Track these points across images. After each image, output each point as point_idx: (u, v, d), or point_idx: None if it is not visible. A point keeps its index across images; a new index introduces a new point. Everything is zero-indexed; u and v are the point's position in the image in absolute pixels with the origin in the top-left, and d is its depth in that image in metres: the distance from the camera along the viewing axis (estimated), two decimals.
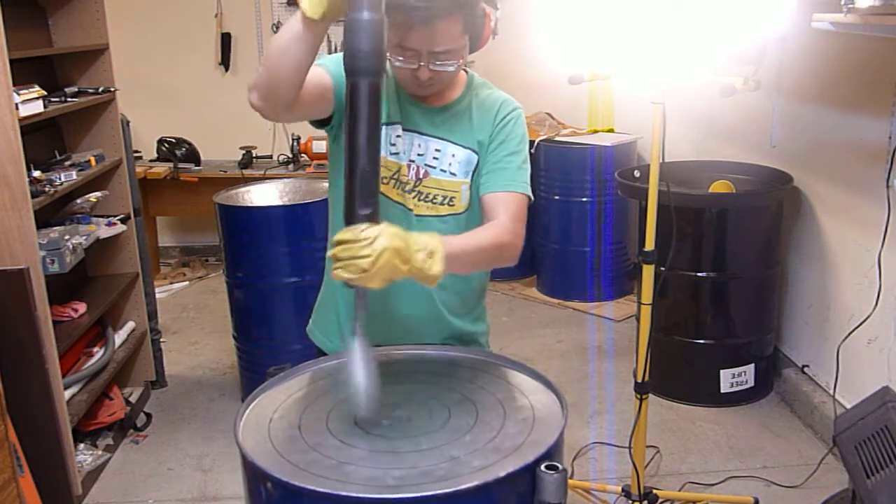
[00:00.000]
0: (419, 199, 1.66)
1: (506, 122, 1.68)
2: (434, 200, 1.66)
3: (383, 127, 1.62)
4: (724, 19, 2.26)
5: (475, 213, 1.69)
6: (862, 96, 2.92)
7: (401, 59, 1.53)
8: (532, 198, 1.68)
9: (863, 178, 2.92)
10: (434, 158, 1.66)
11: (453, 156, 1.66)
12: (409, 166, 1.65)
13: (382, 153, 1.62)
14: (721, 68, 2.34)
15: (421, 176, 1.66)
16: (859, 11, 2.14)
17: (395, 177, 1.65)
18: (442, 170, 1.66)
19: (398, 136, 1.64)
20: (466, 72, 1.71)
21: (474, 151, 1.67)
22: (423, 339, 1.69)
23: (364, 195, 1.33)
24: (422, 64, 1.52)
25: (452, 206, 1.67)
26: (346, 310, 1.76)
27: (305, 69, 1.42)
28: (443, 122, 1.67)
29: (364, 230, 1.30)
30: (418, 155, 1.65)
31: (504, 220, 1.60)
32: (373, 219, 1.33)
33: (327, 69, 1.57)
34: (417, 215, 1.65)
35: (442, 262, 1.37)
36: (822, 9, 2.37)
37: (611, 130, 4.78)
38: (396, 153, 1.64)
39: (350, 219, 1.33)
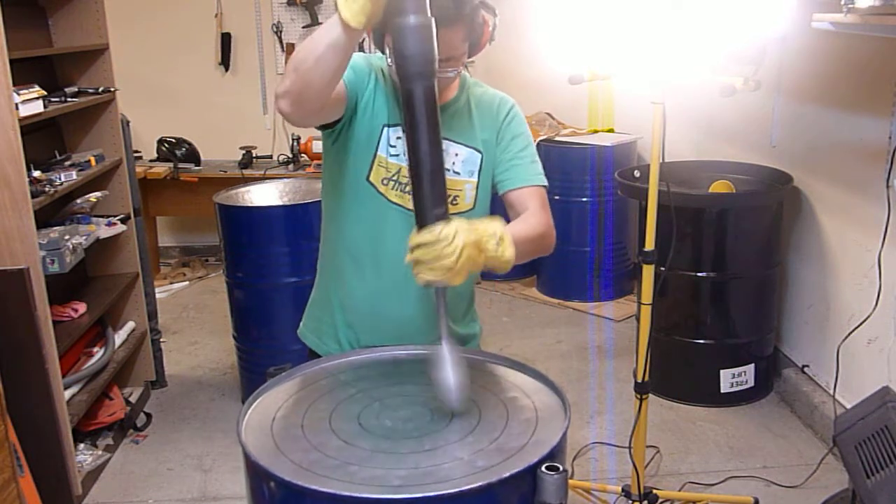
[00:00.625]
0: None
1: (509, 119, 1.72)
2: None
3: (385, 128, 1.63)
4: (724, 19, 2.26)
5: (479, 213, 1.70)
6: (862, 96, 2.92)
7: None
8: (547, 185, 1.73)
9: (863, 178, 2.92)
10: None
11: (457, 155, 1.67)
12: None
13: (384, 154, 1.63)
14: (721, 68, 2.34)
15: None
16: (859, 11, 2.14)
17: (395, 178, 1.65)
18: (445, 168, 1.66)
19: (398, 137, 1.64)
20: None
21: (477, 150, 1.69)
22: (418, 341, 1.70)
23: (435, 196, 1.34)
24: None
25: (455, 204, 1.67)
26: (342, 312, 1.76)
27: (340, 75, 1.43)
28: (443, 121, 1.67)
29: (442, 230, 1.31)
30: None
31: (539, 212, 1.66)
32: (444, 217, 1.35)
33: None
34: None
35: (512, 245, 1.39)
36: (822, 9, 2.37)
37: (611, 130, 4.78)
38: (396, 154, 1.64)
39: (424, 221, 1.34)
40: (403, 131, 1.35)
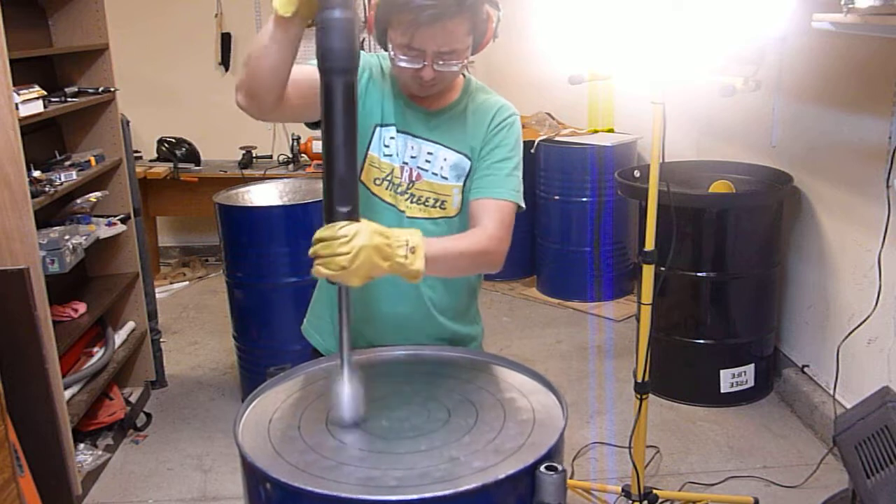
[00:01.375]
0: (411, 202, 1.66)
1: (499, 128, 1.67)
2: (426, 203, 1.66)
3: (378, 128, 1.63)
4: (724, 19, 2.26)
5: (465, 218, 1.68)
6: (862, 96, 2.92)
7: (405, 58, 1.52)
8: (523, 206, 1.66)
9: (863, 178, 2.92)
10: (426, 161, 1.65)
11: (445, 159, 1.65)
12: (402, 168, 1.65)
13: (376, 154, 1.63)
14: (721, 68, 2.34)
15: (414, 178, 1.65)
16: (859, 11, 2.14)
17: (388, 178, 1.64)
18: (434, 173, 1.66)
19: (392, 137, 1.64)
20: (464, 75, 1.71)
21: (466, 157, 1.67)
22: (414, 340, 1.69)
23: (342, 194, 1.33)
24: (426, 63, 1.52)
25: (444, 209, 1.67)
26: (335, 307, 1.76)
27: (286, 68, 1.44)
28: (437, 125, 1.67)
29: (342, 228, 1.30)
30: (411, 157, 1.65)
31: (489, 227, 1.59)
32: (352, 216, 1.33)
33: None
34: (409, 217, 1.65)
35: (423, 258, 1.38)
36: (822, 9, 2.37)
37: (611, 130, 4.78)
38: (390, 154, 1.64)
39: (329, 217, 1.33)
40: (321, 126, 1.35)
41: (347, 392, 1.34)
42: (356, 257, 1.29)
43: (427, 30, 1.48)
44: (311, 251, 1.32)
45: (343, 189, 1.33)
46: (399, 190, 1.65)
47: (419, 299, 1.70)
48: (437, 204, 1.66)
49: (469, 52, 1.58)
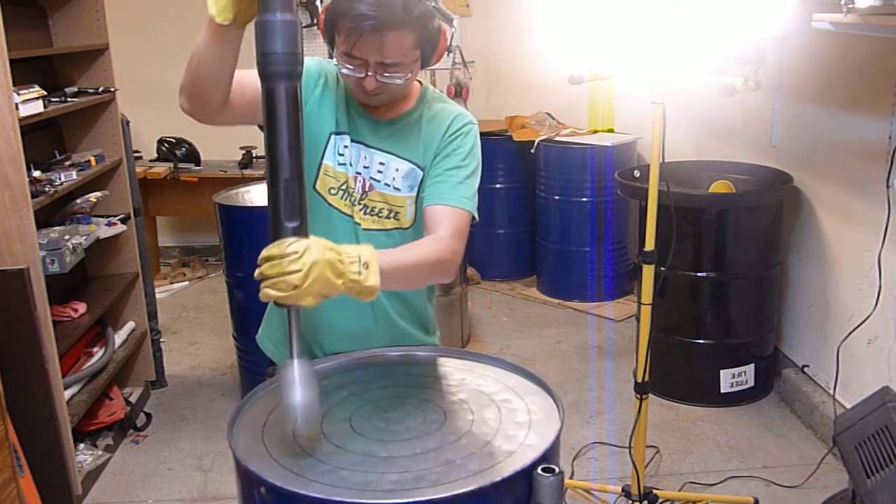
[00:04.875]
0: (365, 213, 1.62)
1: (455, 136, 1.62)
2: (380, 214, 1.63)
3: (333, 136, 1.59)
4: (724, 19, 2.26)
5: (419, 229, 1.63)
6: (862, 96, 2.91)
7: (349, 67, 1.49)
8: (476, 217, 1.60)
9: (863, 178, 2.91)
10: (378, 172, 1.62)
11: (397, 170, 1.62)
12: (355, 178, 1.61)
13: (331, 163, 1.58)
14: (721, 68, 2.34)
15: (367, 189, 1.62)
16: (859, 11, 2.14)
17: (344, 187, 1.61)
18: (386, 183, 1.62)
19: (346, 146, 1.60)
20: (420, 84, 1.67)
21: (418, 167, 1.62)
22: (370, 345, 1.66)
23: (289, 207, 1.23)
24: (369, 74, 1.49)
25: (398, 220, 1.63)
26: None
27: (227, 72, 1.41)
28: (389, 135, 1.63)
29: (291, 244, 1.20)
30: (364, 167, 1.61)
31: (443, 236, 1.53)
32: (300, 232, 1.24)
33: None
34: (365, 229, 1.62)
35: (378, 273, 1.29)
36: (822, 9, 2.37)
37: (611, 130, 4.77)
38: (344, 164, 1.60)
39: (277, 233, 1.23)
40: (263, 134, 1.26)
41: (301, 405, 1.24)
42: (308, 275, 1.18)
43: (369, 40, 1.44)
44: (256, 272, 1.21)
45: (289, 203, 1.22)
46: (354, 200, 1.61)
47: (378, 312, 1.67)
48: (392, 215, 1.63)
49: (417, 66, 1.54)
